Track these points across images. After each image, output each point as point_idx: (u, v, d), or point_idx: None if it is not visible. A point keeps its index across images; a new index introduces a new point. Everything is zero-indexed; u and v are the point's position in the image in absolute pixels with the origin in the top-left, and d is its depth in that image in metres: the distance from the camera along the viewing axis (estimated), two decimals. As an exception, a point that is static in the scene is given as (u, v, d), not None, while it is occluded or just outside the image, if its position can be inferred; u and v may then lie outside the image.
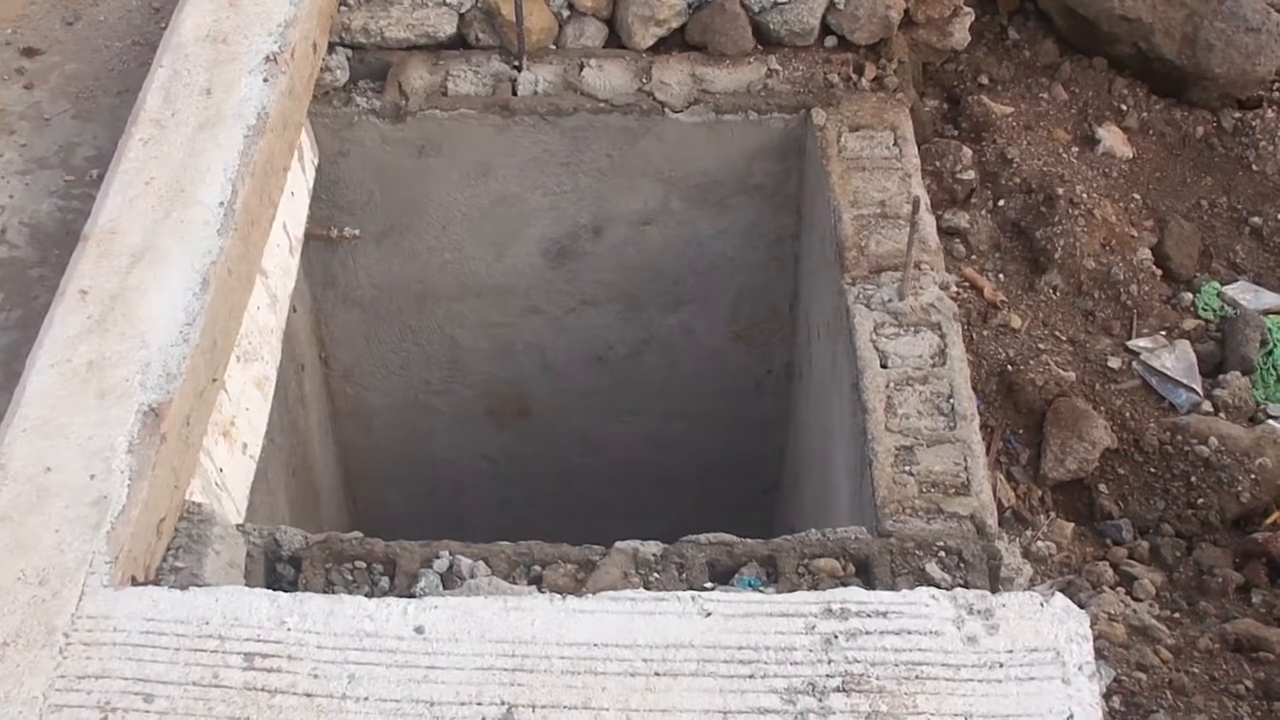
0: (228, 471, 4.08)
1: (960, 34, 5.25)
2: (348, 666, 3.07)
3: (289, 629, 3.17)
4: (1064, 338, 4.63)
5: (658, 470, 6.32)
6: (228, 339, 4.05)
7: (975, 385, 4.30)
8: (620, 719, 2.99)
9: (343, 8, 5.11)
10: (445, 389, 5.99)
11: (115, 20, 5.41)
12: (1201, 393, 4.47)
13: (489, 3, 5.06)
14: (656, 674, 3.06)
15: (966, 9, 5.20)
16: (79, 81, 5.10)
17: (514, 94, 5.09)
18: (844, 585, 3.70)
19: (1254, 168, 5.12)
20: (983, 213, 4.95)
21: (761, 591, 3.68)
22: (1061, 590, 4.06)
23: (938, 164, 5.01)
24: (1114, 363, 4.53)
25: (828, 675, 3.06)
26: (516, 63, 5.10)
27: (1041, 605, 3.20)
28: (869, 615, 3.18)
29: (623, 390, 5.98)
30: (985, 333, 4.60)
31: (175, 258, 3.94)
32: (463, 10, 5.12)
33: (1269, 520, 4.27)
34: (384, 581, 3.72)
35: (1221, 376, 4.52)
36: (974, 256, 4.88)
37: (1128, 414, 4.40)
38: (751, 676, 3.05)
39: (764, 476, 6.30)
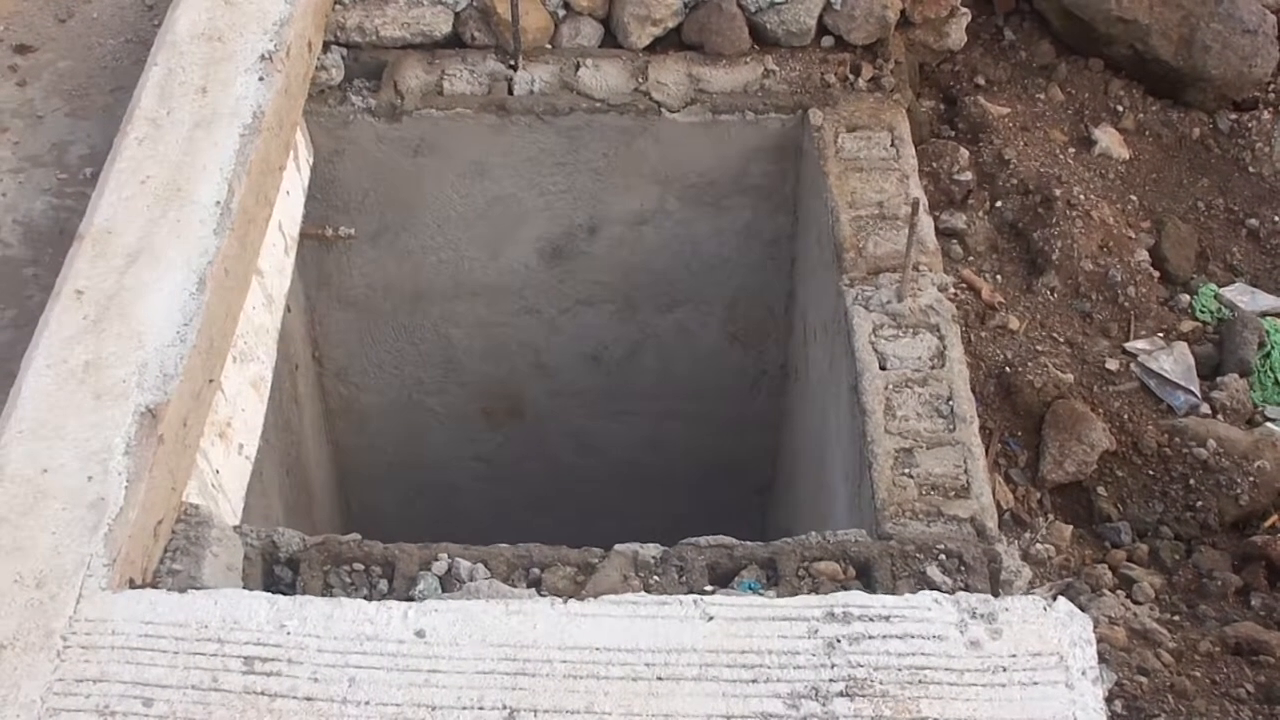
0: (224, 473, 4.06)
1: (957, 34, 5.24)
2: (348, 670, 3.05)
3: (289, 632, 3.15)
4: (1062, 339, 4.62)
5: (652, 471, 6.30)
6: (224, 339, 4.03)
7: (973, 387, 4.29)
8: (623, 724, 2.98)
9: (338, 6, 5.09)
10: (439, 389, 5.97)
11: (108, 17, 5.38)
12: (1199, 395, 4.47)
13: (484, 2, 5.04)
14: (659, 678, 3.04)
15: (963, 10, 5.19)
16: (72, 79, 5.07)
17: (510, 93, 5.07)
18: (845, 588, 3.68)
19: (1250, 169, 5.12)
20: (980, 214, 4.94)
21: (762, 594, 3.67)
22: (1061, 593, 4.08)
23: (935, 165, 5.00)
24: (1112, 365, 4.52)
25: (831, 680, 3.05)
26: (512, 62, 5.08)
27: (1045, 609, 3.19)
28: (872, 619, 3.16)
29: (618, 391, 5.97)
30: (983, 334, 4.59)
31: (172, 258, 3.91)
32: (458, 9, 5.10)
33: (1267, 523, 4.27)
34: (382, 584, 3.70)
35: (1219, 379, 4.52)
36: (971, 258, 4.87)
37: (1126, 416, 4.40)
38: (754, 681, 3.03)
39: (758, 477, 6.29)
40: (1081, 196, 4.83)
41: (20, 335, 3.95)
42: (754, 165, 5.17)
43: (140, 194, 4.09)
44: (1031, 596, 3.23)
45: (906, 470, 3.95)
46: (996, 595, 3.68)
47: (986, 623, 3.17)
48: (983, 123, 5.12)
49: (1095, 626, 3.69)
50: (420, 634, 3.14)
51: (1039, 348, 4.57)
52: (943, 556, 3.74)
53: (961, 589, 3.67)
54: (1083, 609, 3.78)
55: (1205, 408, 4.45)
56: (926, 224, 4.58)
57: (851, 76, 5.04)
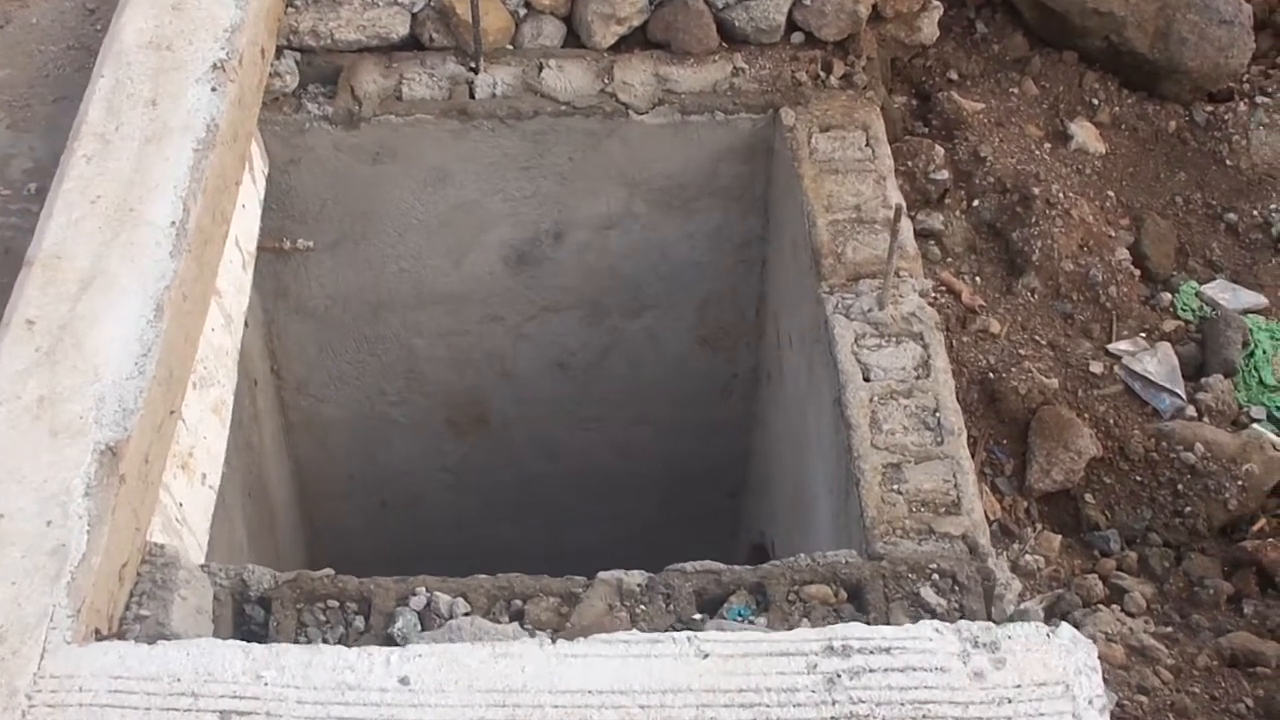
0: (187, 506, 3.90)
1: (929, 29, 5.12)
2: (330, 723, 2.91)
3: (266, 683, 3.01)
4: (1044, 342, 4.53)
5: (622, 477, 6.18)
6: (184, 366, 3.86)
7: (957, 394, 4.18)
8: (620, 773, 2.86)
9: (290, 9, 4.91)
10: (402, 399, 5.81)
11: (48, 23, 5.15)
12: (1185, 397, 4.40)
13: (443, 2, 4.88)
14: (655, 722, 2.93)
15: (935, 3, 5.07)
16: (11, 89, 4.86)
17: (471, 97, 4.91)
18: (837, 612, 3.58)
19: (1228, 162, 5.04)
20: (957, 213, 4.84)
21: (752, 621, 3.56)
22: (1052, 605, 4.00)
23: (910, 164, 4.89)
24: (1096, 367, 4.44)
25: (832, 717, 2.94)
26: (473, 64, 4.92)
27: (1049, 636, 3.10)
28: (872, 652, 3.06)
29: (585, 397, 5.84)
30: (965, 339, 4.49)
31: (126, 283, 3.74)
32: (415, 10, 4.94)
33: (1255, 527, 4.21)
34: (358, 621, 3.56)
35: (1204, 380, 4.44)
36: (950, 259, 4.77)
37: (1112, 421, 4.31)
38: (754, 721, 2.92)
39: (729, 481, 6.18)
40: (1060, 195, 4.74)
41: (-32, 367, 3.77)
42: (724, 167, 5.04)
43: (90, 215, 3.91)
44: (1034, 624, 3.12)
45: (895, 486, 3.84)
46: (992, 614, 3.60)
47: (989, 652, 3.07)
48: (957, 119, 5.01)
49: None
50: (404, 681, 3.01)
51: (1022, 351, 4.48)
52: (936, 576, 3.64)
53: (956, 610, 3.58)
54: (1078, 624, 3.73)
55: (1191, 410, 4.38)
56: (906, 228, 4.47)
57: (823, 74, 4.91)
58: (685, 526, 6.42)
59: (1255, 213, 4.93)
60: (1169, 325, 4.59)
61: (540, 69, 4.95)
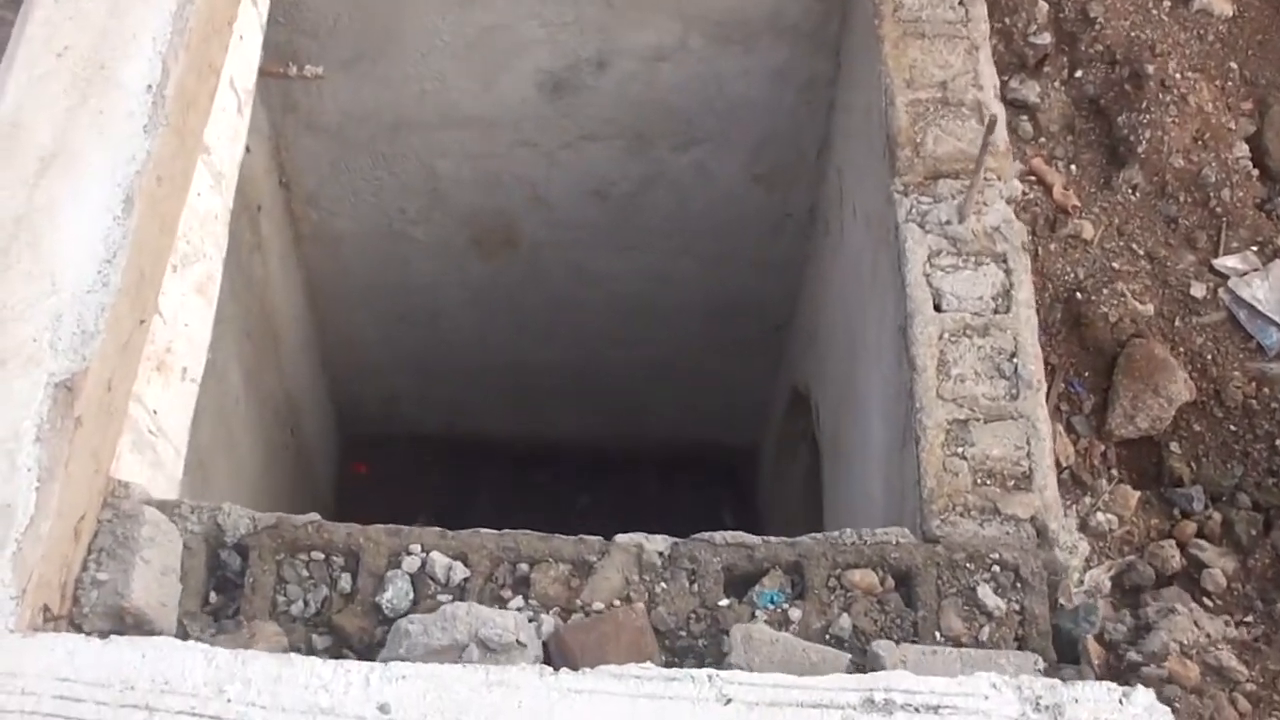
0: (164, 411, 3.49)
1: None
2: (298, 761, 2.58)
3: (229, 699, 2.66)
4: (1141, 251, 3.98)
5: (662, 304, 5.73)
6: (158, 263, 3.39)
7: (1038, 312, 3.68)
8: None
9: None
10: (423, 218, 5.32)
11: None
12: (1296, 331, 3.87)
13: None
14: (665, 787, 2.58)
15: None
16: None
17: (507, -94, 4.25)
18: (881, 605, 3.19)
19: (1375, 36, 4.35)
20: (1056, 84, 4.22)
21: (785, 609, 3.18)
22: (1120, 574, 3.60)
23: (1007, 21, 4.24)
24: (1197, 290, 3.91)
25: (867, 785, 2.59)
26: None
27: (1121, 702, 2.70)
28: (918, 709, 2.67)
29: (625, 226, 5.33)
30: (1052, 246, 3.95)
31: (94, 164, 3.22)
32: None
33: (1360, 492, 3.75)
34: (344, 580, 3.19)
35: (1320, 310, 3.90)
36: (1043, 139, 4.17)
37: (1209, 357, 3.81)
38: (779, 796, 2.57)
39: (775, 315, 5.72)
40: (1177, 75, 4.09)
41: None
42: (792, 3, 4.38)
43: (56, 72, 3.37)
44: (1106, 686, 2.71)
45: (960, 449, 3.38)
46: (1055, 609, 3.20)
47: (1052, 716, 2.68)
48: (1067, -32, 4.31)
49: (1164, 659, 3.25)
50: (383, 709, 2.65)
51: (1115, 265, 3.94)
52: (996, 569, 3.22)
53: (1016, 612, 3.18)
54: (1150, 626, 3.34)
55: (1301, 347, 3.86)
56: (1000, 129, 3.87)
57: (917, -93, 4.18)
58: (725, 354, 6.02)
59: (1402, 101, 4.26)
60: (1287, 237, 4.02)
61: (589, -123, 4.26)
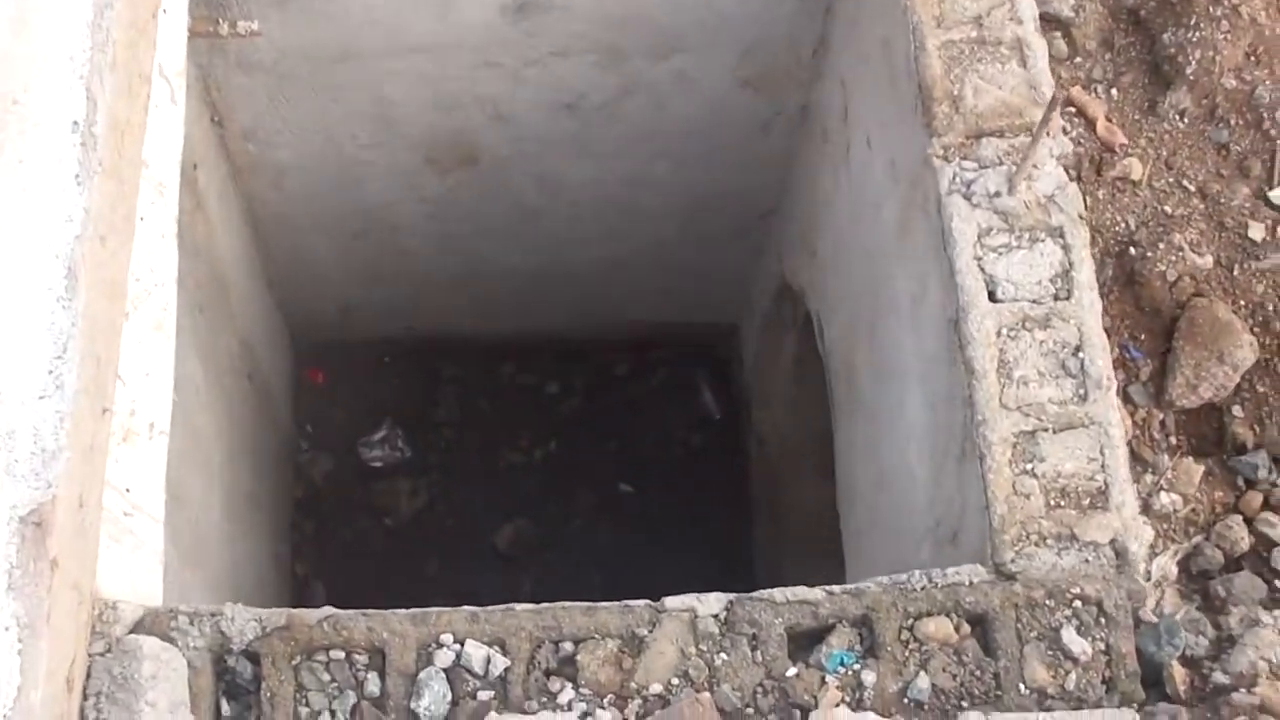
0: (137, 484, 3.09)
1: None
2: None
3: None
4: (1193, 187, 3.62)
5: (634, 205, 5.30)
6: (113, 336, 2.95)
7: (1090, 269, 3.36)
8: None
9: None
10: (375, 142, 4.81)
11: None
12: (1363, 271, 3.56)
13: None
14: None
15: None
16: None
17: None
18: (958, 656, 2.93)
19: None
20: (1092, -6, 3.77)
21: (856, 670, 2.91)
22: (1187, 557, 3.36)
23: (1034, -75, 3.74)
24: (1256, 230, 3.57)
25: None
26: None
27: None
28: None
29: (597, 137, 4.86)
30: (1100, 193, 3.58)
31: (23, 233, 2.74)
32: None
33: None
34: (372, 681, 2.87)
35: (1389, 246, 3.59)
36: (1078, 59, 3.76)
37: (1271, 307, 3.50)
38: None
39: (761, 204, 5.32)
40: (1229, -17, 3.67)
41: None
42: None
43: (-35, 108, 2.85)
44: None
45: (1029, 466, 3.08)
46: (1139, 643, 2.96)
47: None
48: None
49: (1254, 683, 3.02)
50: None
51: (1167, 208, 3.58)
52: (1078, 603, 2.97)
53: (1103, 653, 2.94)
54: (1234, 639, 3.10)
55: (1370, 290, 3.56)
56: (1040, 58, 3.46)
57: None
58: (704, 244, 5.64)
59: None
60: (1347, 160, 3.68)
61: None
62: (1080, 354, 3.18)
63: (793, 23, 4.31)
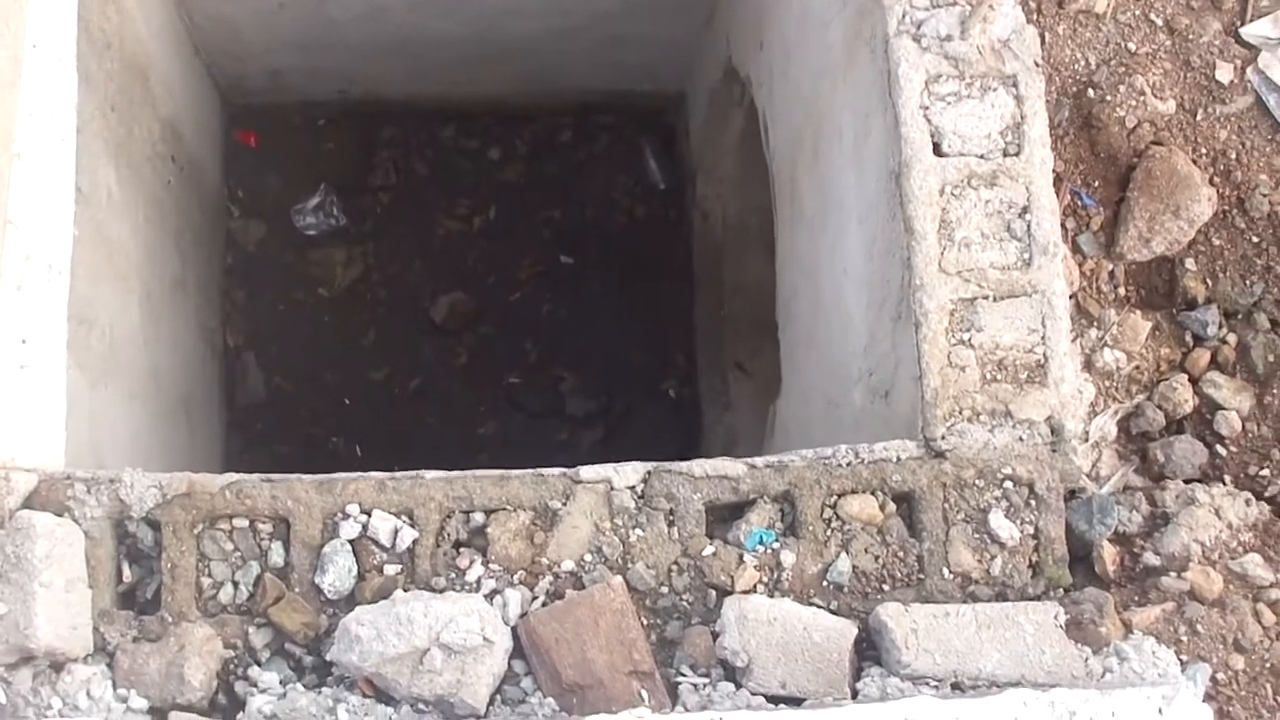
0: (34, 334, 2.92)
1: None
2: None
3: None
4: (1160, 21, 3.40)
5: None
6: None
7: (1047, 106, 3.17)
8: None
9: None
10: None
11: None
12: (1331, 118, 3.38)
13: None
14: None
15: None
16: None
17: None
18: (882, 536, 2.87)
19: None
20: None
21: (776, 549, 2.85)
22: (1127, 417, 3.29)
23: None
24: (1223, 72, 3.36)
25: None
26: None
27: (1161, 712, 2.48)
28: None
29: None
30: (1060, 28, 3.35)
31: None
32: None
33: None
34: (276, 550, 2.80)
35: (1360, 91, 3.40)
36: None
37: (1233, 156, 3.33)
38: None
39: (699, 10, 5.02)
40: None
41: None
42: None
43: None
44: (1143, 691, 2.48)
45: (966, 335, 2.97)
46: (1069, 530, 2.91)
47: (1088, 734, 2.46)
48: None
49: (1185, 566, 2.99)
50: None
51: (1131, 45, 3.37)
52: (1009, 484, 2.90)
53: (1031, 537, 2.88)
54: (1169, 519, 3.05)
55: (1337, 138, 3.38)
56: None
57: None
58: (647, 16, 5.33)
59: None
60: (1328, -8, 3.45)
61: None
62: (1027, 216, 3.03)
63: None
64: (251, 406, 5.85)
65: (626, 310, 6.09)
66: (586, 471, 2.87)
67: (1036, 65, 3.09)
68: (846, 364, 3.57)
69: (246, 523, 2.81)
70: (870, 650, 2.77)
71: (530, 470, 2.88)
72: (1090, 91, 3.33)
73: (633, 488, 2.87)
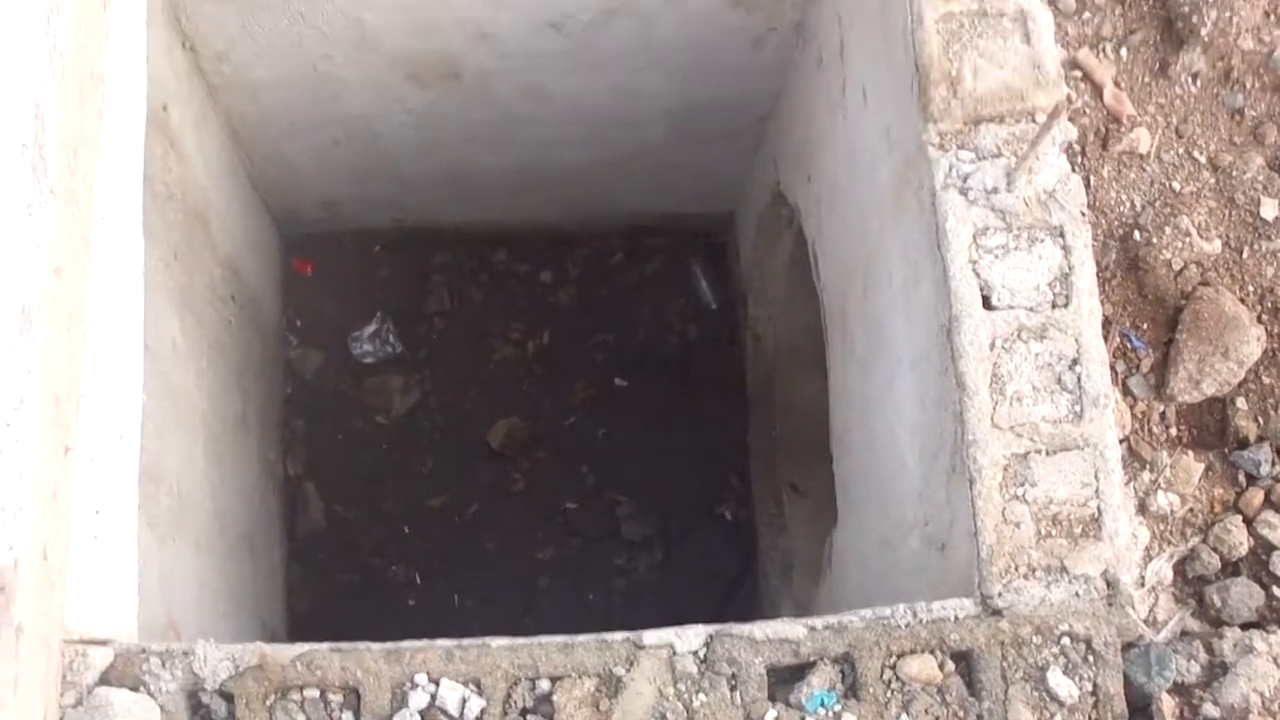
0: (106, 504, 3.00)
1: None
2: None
3: None
4: (1203, 158, 3.45)
5: (625, 113, 5.09)
6: (73, 367, 2.84)
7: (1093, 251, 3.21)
8: None
9: None
10: (351, 61, 4.59)
11: None
12: (1379, 254, 3.41)
13: None
14: None
15: None
16: None
17: None
18: (942, 697, 2.89)
19: None
20: (1103, -55, 3.54)
21: (837, 712, 2.87)
22: (1182, 561, 3.29)
23: None
24: (1268, 209, 3.41)
25: None
26: None
27: None
28: None
29: (583, 53, 4.62)
30: (1105, 170, 3.41)
31: (-27, 268, 2.62)
32: None
33: None
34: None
35: None
36: (1087, 14, 3.54)
37: (1280, 293, 3.37)
38: None
39: (757, 110, 5.11)
40: (1251, -64, 3.43)
41: None
42: None
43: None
44: None
45: (1019, 492, 3.00)
46: (1129, 681, 2.92)
47: None
48: None
49: (1246, 718, 2.98)
50: None
51: (1175, 184, 3.42)
52: (1067, 642, 2.91)
53: (1090, 695, 2.89)
54: (1227, 668, 3.05)
55: (1384, 273, 3.41)
56: (1045, 33, 3.25)
57: None
58: (697, 145, 5.44)
59: None
60: (1369, 128, 3.49)
61: None
62: (1077, 368, 3.06)
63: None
64: (312, 536, 5.93)
65: (681, 432, 6.14)
66: (649, 636, 2.91)
67: (1082, 214, 3.14)
68: (901, 508, 3.60)
69: (317, 693, 2.86)
70: (935, 812, 2.79)
71: (594, 635, 2.93)
72: (1136, 234, 3.38)
73: (695, 652, 2.91)
